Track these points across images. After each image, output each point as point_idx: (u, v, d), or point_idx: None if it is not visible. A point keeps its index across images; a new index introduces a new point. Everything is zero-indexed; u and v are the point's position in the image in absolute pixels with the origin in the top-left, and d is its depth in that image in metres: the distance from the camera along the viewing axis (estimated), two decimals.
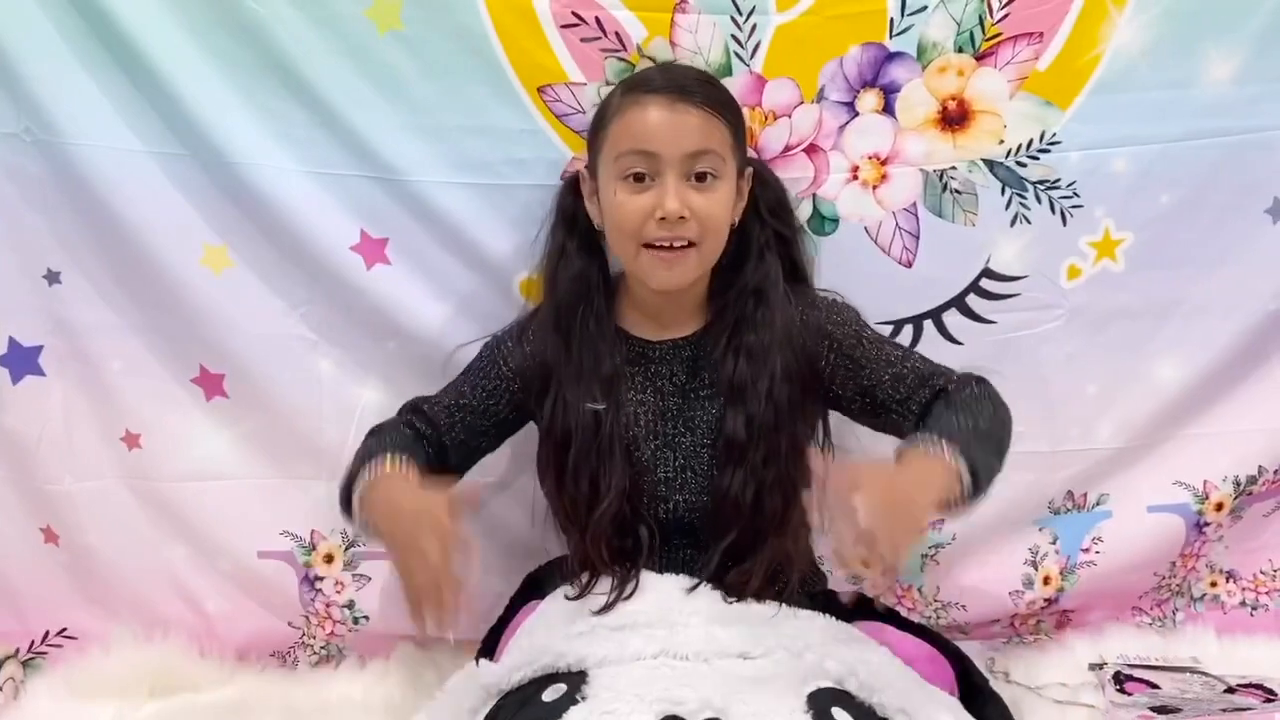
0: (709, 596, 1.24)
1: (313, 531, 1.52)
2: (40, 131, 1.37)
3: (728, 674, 1.11)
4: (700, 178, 1.22)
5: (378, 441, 1.29)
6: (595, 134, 1.28)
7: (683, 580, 1.26)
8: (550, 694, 1.10)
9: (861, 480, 1.04)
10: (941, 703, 1.16)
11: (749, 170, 1.29)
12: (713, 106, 1.23)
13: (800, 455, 1.27)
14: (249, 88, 1.36)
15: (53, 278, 1.43)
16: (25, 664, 1.52)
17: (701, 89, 1.24)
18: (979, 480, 1.10)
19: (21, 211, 1.40)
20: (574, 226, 1.32)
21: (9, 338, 1.44)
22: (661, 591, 1.24)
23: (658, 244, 1.23)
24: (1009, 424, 1.23)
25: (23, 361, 1.44)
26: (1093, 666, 1.44)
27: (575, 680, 1.11)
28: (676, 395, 1.31)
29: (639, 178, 1.22)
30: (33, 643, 1.53)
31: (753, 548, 1.26)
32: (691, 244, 1.23)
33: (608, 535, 1.26)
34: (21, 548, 1.50)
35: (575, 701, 1.07)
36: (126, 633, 1.49)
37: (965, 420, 1.17)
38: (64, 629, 1.53)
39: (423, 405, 1.35)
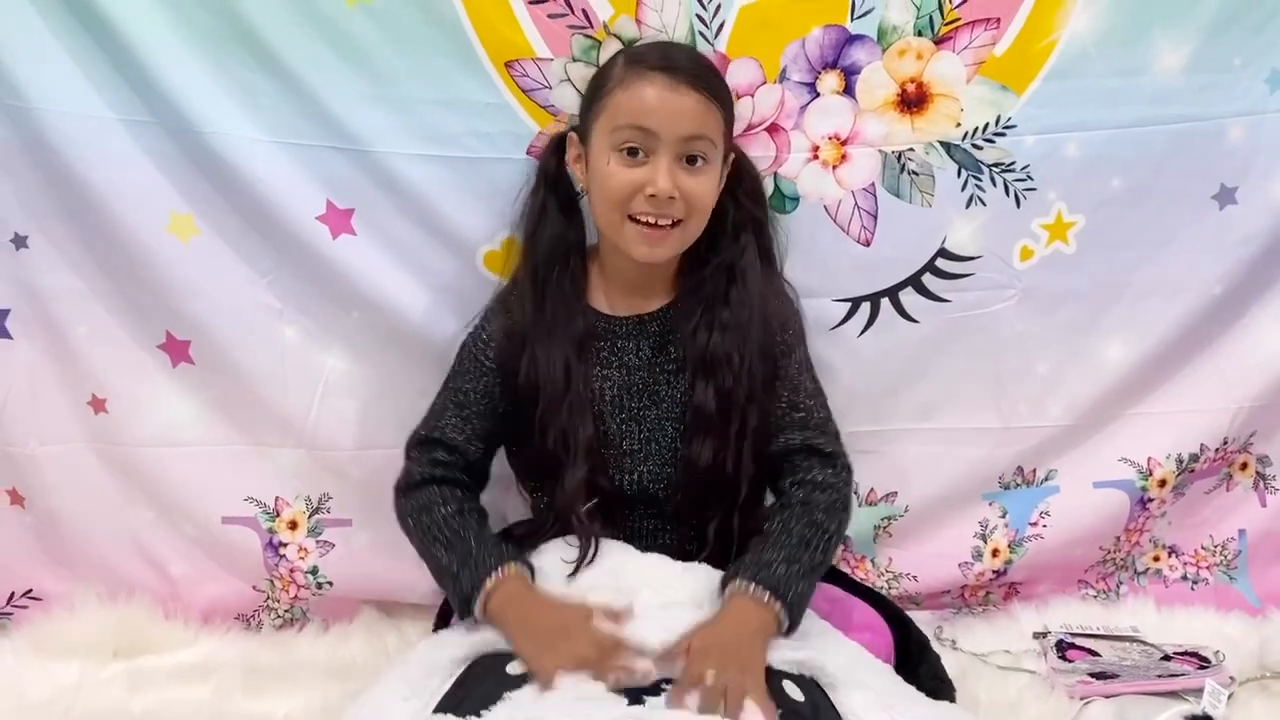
0: (666, 570, 1.26)
1: (276, 498, 1.54)
2: (7, 97, 1.37)
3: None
4: (691, 160, 1.25)
5: (449, 523, 1.27)
6: (592, 101, 1.30)
7: (651, 558, 1.29)
8: (515, 667, 1.13)
9: (695, 645, 1.11)
10: (877, 670, 1.20)
11: (732, 156, 1.33)
12: (711, 94, 1.26)
13: (769, 428, 1.32)
14: (217, 56, 1.37)
15: (20, 242, 1.44)
16: None
17: (703, 74, 1.27)
18: (796, 612, 1.19)
19: None
20: (556, 188, 1.35)
21: None
22: (618, 562, 1.27)
23: (643, 219, 1.26)
24: (837, 539, 1.29)
25: None
26: (1036, 635, 1.49)
27: None
28: (642, 370, 1.34)
29: (633, 152, 1.25)
30: None
31: (731, 522, 1.30)
32: (677, 222, 1.26)
33: (583, 495, 1.28)
34: None
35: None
36: (91, 594, 1.51)
37: (799, 551, 1.22)
38: (29, 590, 1.55)
39: (435, 435, 1.33)
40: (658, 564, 1.27)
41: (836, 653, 1.19)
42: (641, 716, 1.03)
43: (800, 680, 1.13)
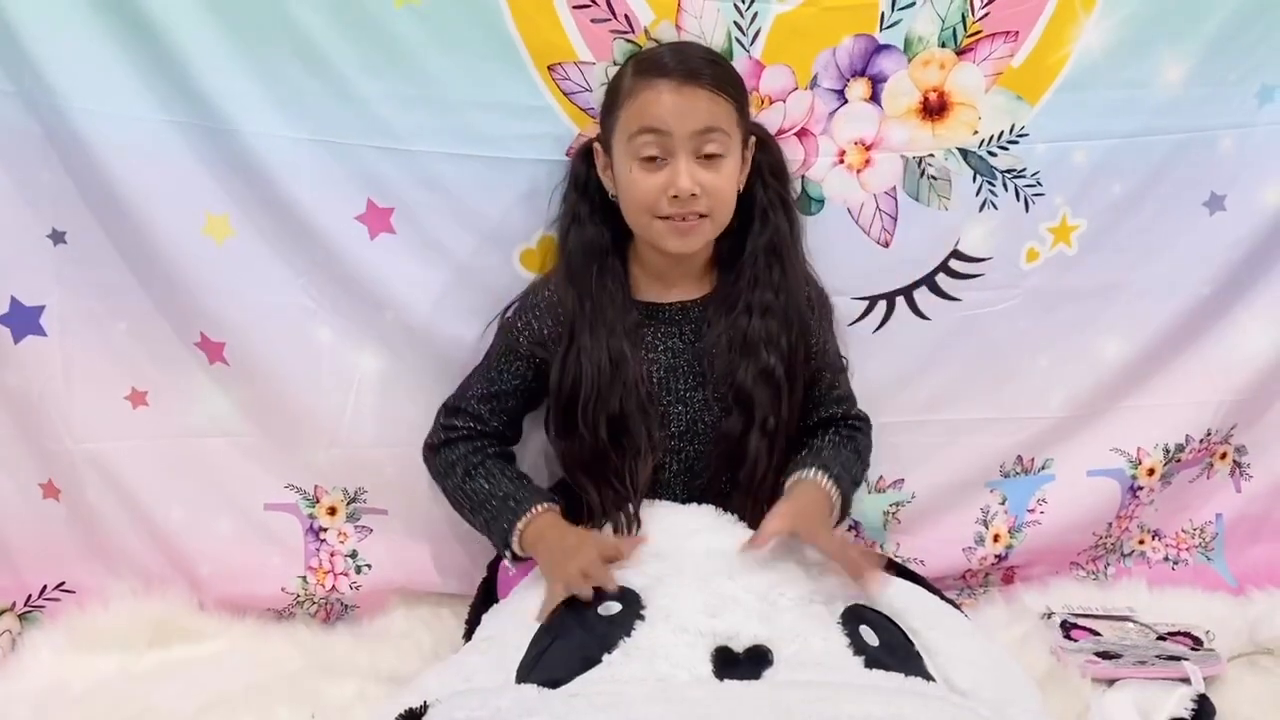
0: (724, 529, 1.32)
1: (315, 486, 1.56)
2: (46, 94, 1.35)
3: (762, 596, 1.17)
4: (709, 156, 1.30)
5: (473, 472, 1.40)
6: (609, 112, 1.35)
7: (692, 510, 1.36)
8: (605, 609, 1.15)
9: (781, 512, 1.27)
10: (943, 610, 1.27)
11: (752, 139, 1.38)
12: (719, 86, 1.31)
13: (802, 406, 1.41)
14: (260, 55, 1.37)
15: (57, 238, 1.42)
16: (22, 617, 1.52)
17: (709, 69, 1.32)
18: (843, 508, 1.38)
19: (28, 171, 1.39)
20: (586, 192, 1.39)
21: (10, 297, 1.43)
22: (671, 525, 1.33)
23: (671, 218, 1.31)
24: (862, 478, 1.51)
25: (24, 321, 1.43)
26: (1043, 616, 1.57)
27: (629, 598, 1.15)
28: (687, 353, 1.40)
29: (652, 159, 1.29)
30: (29, 597, 1.54)
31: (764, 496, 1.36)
32: (703, 215, 1.32)
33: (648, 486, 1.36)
34: (19, 503, 1.50)
35: (638, 619, 1.12)
36: (125, 587, 1.51)
37: (848, 464, 1.42)
38: (62, 583, 1.54)
39: (459, 405, 1.44)
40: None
41: (901, 589, 1.24)
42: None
43: (873, 620, 1.16)
